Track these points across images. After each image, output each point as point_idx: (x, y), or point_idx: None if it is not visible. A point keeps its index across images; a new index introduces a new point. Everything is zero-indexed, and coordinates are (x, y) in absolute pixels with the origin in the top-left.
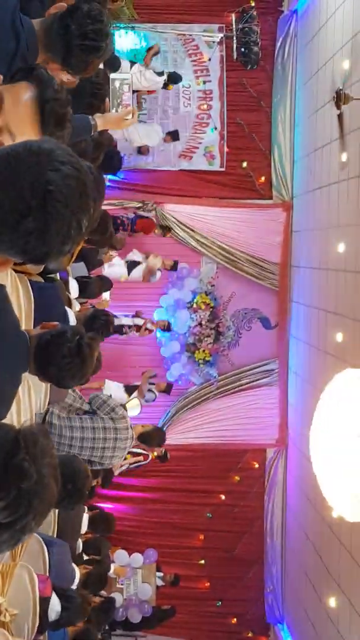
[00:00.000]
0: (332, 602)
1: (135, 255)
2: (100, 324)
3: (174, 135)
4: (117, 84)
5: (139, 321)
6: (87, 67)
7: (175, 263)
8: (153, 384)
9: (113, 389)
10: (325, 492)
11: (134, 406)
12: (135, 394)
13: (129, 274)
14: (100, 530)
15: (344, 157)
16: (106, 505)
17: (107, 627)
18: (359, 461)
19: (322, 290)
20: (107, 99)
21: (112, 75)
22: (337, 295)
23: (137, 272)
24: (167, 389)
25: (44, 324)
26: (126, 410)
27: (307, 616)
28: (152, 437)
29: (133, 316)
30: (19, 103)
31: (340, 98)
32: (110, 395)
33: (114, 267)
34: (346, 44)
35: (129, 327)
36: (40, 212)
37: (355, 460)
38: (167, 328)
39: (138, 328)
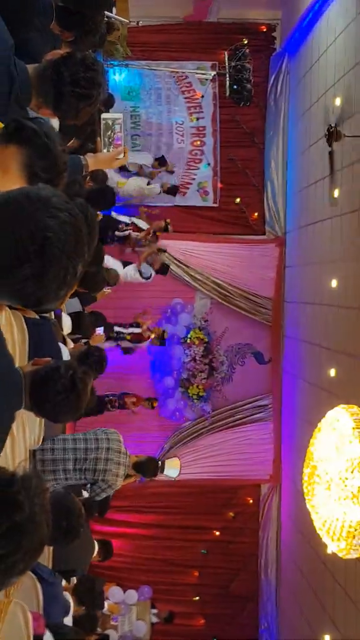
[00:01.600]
0: (327, 639)
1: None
2: (93, 360)
3: (161, 161)
4: (109, 122)
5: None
6: (77, 114)
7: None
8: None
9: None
10: (318, 528)
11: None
12: None
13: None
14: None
15: (335, 193)
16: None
17: None
18: (349, 496)
19: (315, 326)
20: (98, 139)
21: (104, 115)
22: (329, 331)
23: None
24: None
25: (36, 360)
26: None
27: None
28: (146, 466)
29: (130, 325)
30: (7, 172)
31: (332, 135)
32: None
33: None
34: (338, 81)
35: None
36: (38, 258)
37: (346, 495)
38: (161, 337)
39: (136, 336)
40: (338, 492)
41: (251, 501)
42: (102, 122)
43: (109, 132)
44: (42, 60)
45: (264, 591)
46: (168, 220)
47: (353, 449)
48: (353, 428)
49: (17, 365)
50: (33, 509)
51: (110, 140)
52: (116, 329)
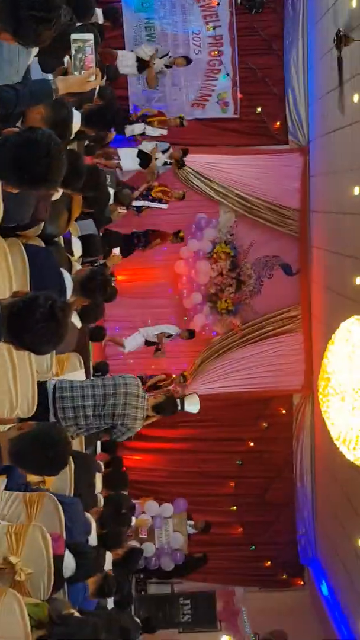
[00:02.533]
0: None
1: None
2: (96, 284)
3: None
4: (79, 45)
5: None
6: (37, 38)
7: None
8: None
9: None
10: (335, 438)
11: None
12: None
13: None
14: (116, 488)
15: (355, 98)
16: (135, 457)
17: (141, 576)
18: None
19: (341, 235)
20: (69, 60)
21: (74, 36)
22: (355, 239)
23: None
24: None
25: (15, 293)
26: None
27: (339, 556)
28: (165, 406)
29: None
30: None
31: (340, 40)
32: None
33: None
34: None
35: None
36: None
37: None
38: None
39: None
40: (352, 403)
41: (284, 411)
42: (72, 42)
43: (80, 54)
44: None
45: (299, 498)
46: (182, 115)
47: None
48: None
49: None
50: None
51: (82, 62)
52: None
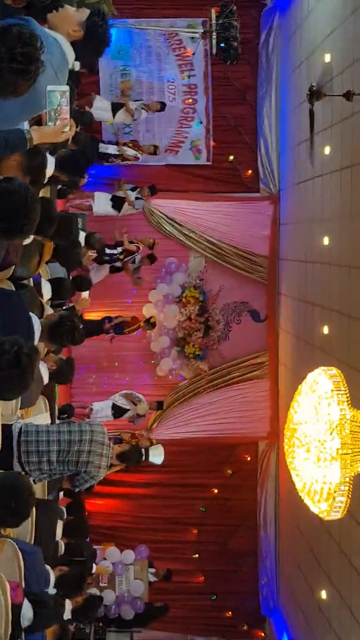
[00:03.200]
0: (324, 594)
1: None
2: (65, 329)
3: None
4: (55, 96)
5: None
6: (15, 90)
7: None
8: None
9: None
10: (299, 490)
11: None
12: None
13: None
14: (76, 536)
15: (326, 150)
16: (98, 502)
17: (100, 625)
18: (328, 458)
19: (309, 283)
20: (44, 111)
21: (49, 87)
22: (323, 289)
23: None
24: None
25: None
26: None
27: (300, 608)
28: (130, 455)
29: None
30: None
31: (313, 94)
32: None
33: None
34: (327, 37)
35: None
36: None
37: (325, 457)
38: (152, 246)
39: (127, 251)
40: (317, 455)
41: (249, 458)
42: (48, 94)
43: (56, 106)
44: None
45: (263, 547)
46: (156, 144)
47: (331, 411)
48: (332, 390)
49: None
50: None
51: (57, 114)
52: (107, 251)
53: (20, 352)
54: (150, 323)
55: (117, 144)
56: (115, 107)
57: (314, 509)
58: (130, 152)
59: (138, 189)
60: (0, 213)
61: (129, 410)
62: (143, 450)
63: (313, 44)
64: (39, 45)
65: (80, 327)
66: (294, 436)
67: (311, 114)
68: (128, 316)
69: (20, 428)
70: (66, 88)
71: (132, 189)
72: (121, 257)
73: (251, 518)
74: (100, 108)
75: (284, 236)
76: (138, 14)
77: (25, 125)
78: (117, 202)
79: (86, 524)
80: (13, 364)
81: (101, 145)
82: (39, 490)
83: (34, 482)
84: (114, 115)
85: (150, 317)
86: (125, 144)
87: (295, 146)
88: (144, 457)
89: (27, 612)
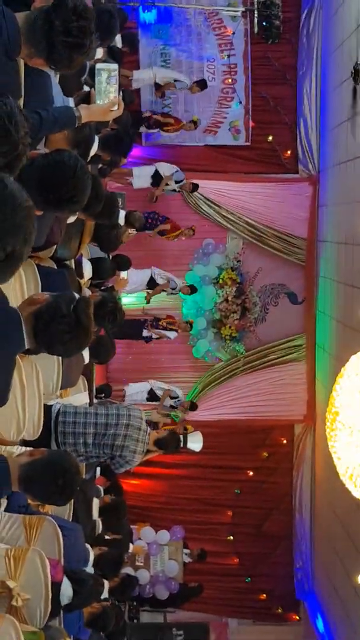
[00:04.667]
0: None
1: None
2: (107, 311)
3: (201, 84)
4: (103, 74)
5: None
6: (70, 64)
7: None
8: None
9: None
10: (341, 474)
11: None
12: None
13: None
14: (113, 517)
15: None
16: (133, 481)
17: (134, 604)
18: None
19: (349, 265)
20: (92, 90)
21: (98, 66)
22: None
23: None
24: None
25: (32, 299)
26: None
27: (336, 592)
28: (167, 442)
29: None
30: None
31: (358, 73)
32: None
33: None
34: None
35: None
36: None
37: None
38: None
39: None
40: None
41: (285, 441)
42: (96, 71)
43: (104, 84)
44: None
45: (297, 530)
46: (195, 118)
47: None
48: None
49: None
50: None
51: (106, 92)
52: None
53: (78, 311)
54: (188, 323)
55: (160, 124)
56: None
57: (356, 493)
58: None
59: (182, 183)
60: (50, 184)
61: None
62: (181, 436)
63: (356, 21)
64: (92, 18)
65: (122, 308)
66: (337, 419)
67: (354, 92)
68: (163, 315)
69: (59, 408)
70: (115, 66)
71: (178, 181)
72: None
73: (286, 501)
74: (140, 77)
75: (323, 218)
76: None
77: (71, 102)
78: (157, 179)
79: (124, 505)
80: (74, 326)
81: (142, 128)
82: None
83: None
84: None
85: (188, 321)
86: (166, 128)
87: (336, 126)
88: (182, 443)
89: (67, 590)
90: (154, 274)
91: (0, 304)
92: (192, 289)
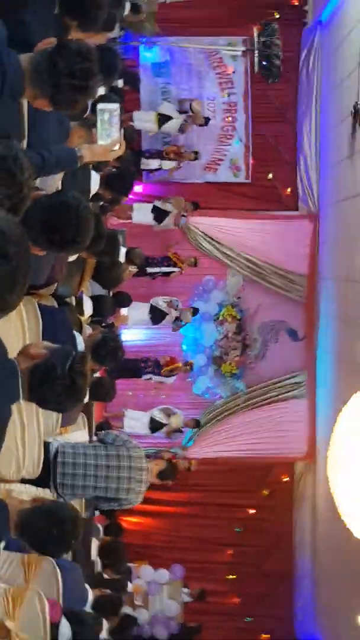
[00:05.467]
0: None
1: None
2: (108, 350)
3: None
4: (105, 115)
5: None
6: (74, 106)
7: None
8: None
9: (137, 418)
10: (343, 516)
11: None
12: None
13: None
14: (110, 561)
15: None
16: (133, 519)
17: None
18: None
19: (350, 303)
20: (94, 130)
21: (100, 106)
22: None
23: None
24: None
25: (30, 353)
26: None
27: (338, 634)
28: (168, 473)
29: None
30: None
31: (358, 112)
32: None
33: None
34: None
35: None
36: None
37: None
38: (194, 264)
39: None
40: None
41: (286, 479)
42: (98, 111)
43: (106, 124)
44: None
45: (299, 570)
46: (196, 150)
47: None
48: None
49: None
50: None
51: (108, 132)
52: (149, 270)
53: (73, 372)
54: (189, 365)
55: (161, 152)
56: (164, 118)
57: (358, 533)
58: (170, 165)
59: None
60: (54, 225)
61: (165, 425)
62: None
63: (356, 60)
64: (96, 60)
65: (123, 347)
66: (338, 459)
67: (354, 130)
68: (166, 357)
69: (57, 448)
70: (116, 106)
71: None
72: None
73: (287, 539)
74: (142, 119)
75: (323, 255)
76: (180, 33)
77: None
78: (159, 214)
79: (123, 546)
80: (68, 388)
81: (143, 160)
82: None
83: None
84: (159, 126)
85: (188, 362)
86: (167, 152)
87: (336, 164)
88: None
89: (66, 630)
90: (155, 303)
91: (1, 354)
92: (195, 311)
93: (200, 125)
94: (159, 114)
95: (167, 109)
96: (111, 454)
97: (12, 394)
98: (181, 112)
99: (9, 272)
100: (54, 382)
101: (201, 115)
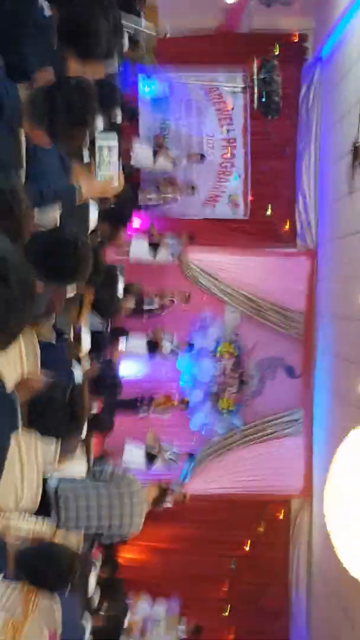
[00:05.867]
0: None
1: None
2: (107, 385)
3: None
4: (104, 150)
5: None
6: (72, 140)
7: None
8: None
9: (133, 452)
10: (340, 553)
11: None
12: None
13: None
14: (107, 597)
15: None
16: (128, 555)
17: None
18: None
19: (348, 340)
20: (92, 164)
21: (99, 142)
22: None
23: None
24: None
25: (28, 383)
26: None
27: None
28: (162, 497)
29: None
30: None
31: (358, 151)
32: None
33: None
34: None
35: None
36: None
37: None
38: (187, 300)
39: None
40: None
41: (281, 516)
42: (97, 147)
43: (105, 160)
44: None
45: (294, 607)
46: (193, 185)
47: None
48: None
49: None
50: None
51: (106, 168)
52: (145, 307)
53: (73, 402)
54: (184, 402)
55: (158, 187)
56: (157, 155)
57: (354, 572)
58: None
59: (178, 241)
60: (52, 259)
61: (157, 456)
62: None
63: (356, 96)
64: (95, 95)
65: (121, 382)
66: (335, 496)
67: (353, 168)
68: (160, 395)
69: (57, 489)
70: (114, 143)
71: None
72: (158, 311)
73: (283, 576)
74: (140, 155)
75: (321, 292)
76: (179, 67)
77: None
78: (154, 247)
79: (120, 584)
80: (68, 418)
81: (140, 196)
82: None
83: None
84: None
85: (184, 400)
86: (163, 184)
87: (335, 200)
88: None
89: None
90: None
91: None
92: (190, 346)
93: (197, 162)
94: (155, 151)
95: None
96: (113, 492)
97: (11, 424)
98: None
99: (7, 296)
100: (54, 414)
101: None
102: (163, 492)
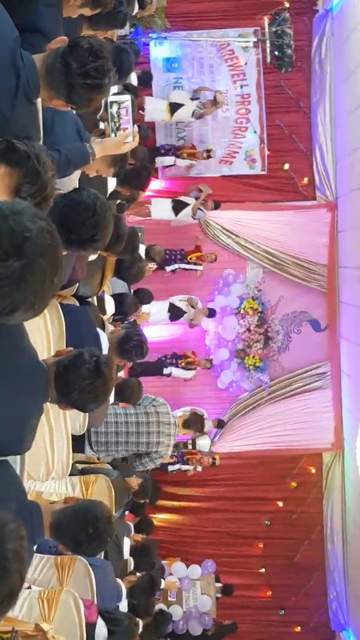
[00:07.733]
0: None
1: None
2: (132, 345)
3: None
4: (114, 107)
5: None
6: (89, 104)
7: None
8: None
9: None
10: None
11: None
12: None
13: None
14: (143, 559)
15: None
16: (162, 516)
17: None
18: None
19: None
20: (105, 123)
21: (111, 98)
22: None
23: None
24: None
25: (58, 352)
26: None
27: None
28: (193, 421)
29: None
30: None
31: None
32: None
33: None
34: None
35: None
36: (17, 258)
37: None
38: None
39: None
40: None
41: (314, 470)
42: (109, 105)
43: (117, 116)
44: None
45: (330, 560)
46: (209, 147)
47: None
48: None
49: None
50: (4, 554)
51: (118, 124)
52: (168, 268)
53: (100, 361)
54: (209, 360)
55: (175, 149)
56: (175, 106)
57: None
58: (185, 163)
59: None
60: (71, 224)
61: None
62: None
63: None
64: (109, 57)
65: (147, 340)
66: None
67: None
68: (187, 351)
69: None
70: (126, 98)
71: (197, 197)
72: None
73: (317, 531)
74: (153, 109)
75: (343, 243)
76: (190, 26)
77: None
78: (177, 206)
79: (154, 544)
80: (93, 374)
81: (157, 159)
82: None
83: (98, 459)
84: (172, 114)
85: (208, 359)
86: (181, 151)
87: (352, 152)
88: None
89: (102, 631)
90: (173, 301)
91: (29, 357)
92: (211, 312)
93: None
94: (171, 103)
95: (179, 96)
96: (139, 412)
97: (41, 393)
98: (193, 99)
99: (17, 269)
100: (80, 367)
101: (222, 103)
102: (196, 417)
